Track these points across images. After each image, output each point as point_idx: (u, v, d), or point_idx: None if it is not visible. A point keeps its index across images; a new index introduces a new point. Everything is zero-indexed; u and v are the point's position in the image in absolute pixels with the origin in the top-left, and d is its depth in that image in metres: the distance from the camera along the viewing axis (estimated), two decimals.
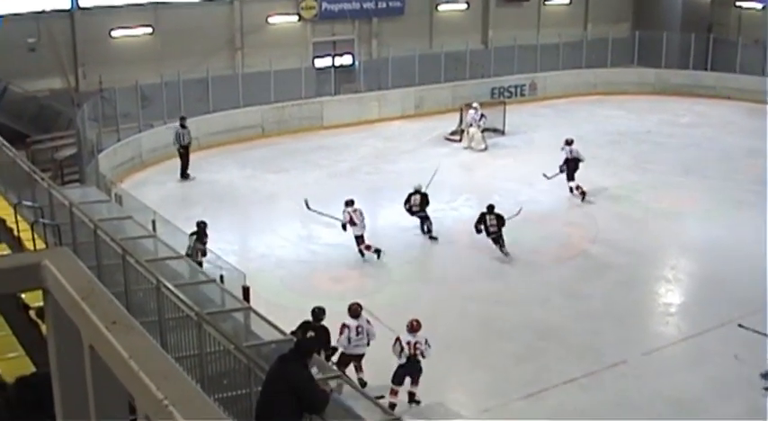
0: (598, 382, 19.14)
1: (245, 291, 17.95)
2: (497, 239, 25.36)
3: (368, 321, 18.75)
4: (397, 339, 18.15)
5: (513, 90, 44.29)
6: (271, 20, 39.94)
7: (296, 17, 40.58)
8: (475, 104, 37.88)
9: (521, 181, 32.32)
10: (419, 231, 27.39)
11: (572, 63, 47.09)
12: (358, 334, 18.41)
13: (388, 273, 24.54)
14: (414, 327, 18.12)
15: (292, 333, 16.15)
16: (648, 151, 36.92)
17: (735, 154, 37.13)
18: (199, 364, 12.91)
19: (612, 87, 46.94)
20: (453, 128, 37.94)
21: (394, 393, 18.14)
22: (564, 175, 30.70)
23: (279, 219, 28.37)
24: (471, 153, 35.33)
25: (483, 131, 37.11)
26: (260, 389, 11.39)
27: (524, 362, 19.88)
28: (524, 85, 44.84)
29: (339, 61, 41.75)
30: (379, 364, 18.46)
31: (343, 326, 18.29)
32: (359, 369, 18.72)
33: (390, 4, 42.86)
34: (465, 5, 45.91)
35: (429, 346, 18.16)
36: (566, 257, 25.62)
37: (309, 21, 40.93)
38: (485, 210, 25.85)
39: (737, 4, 52.13)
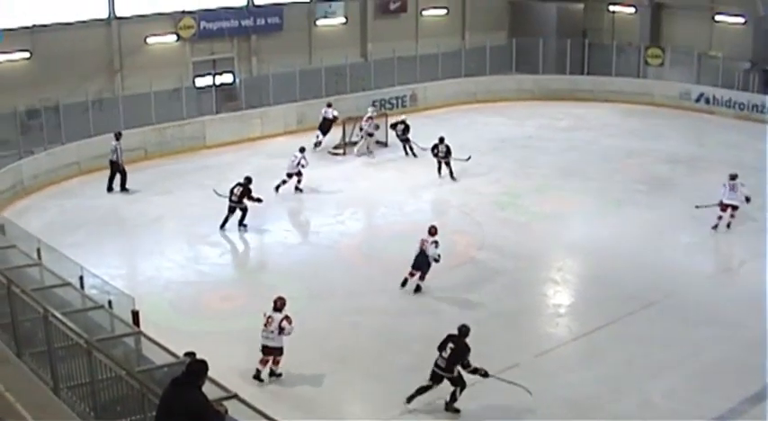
0: (492, 387, 19.22)
1: (135, 315, 17.72)
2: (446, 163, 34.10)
3: (286, 318, 19.42)
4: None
5: (394, 101, 44.51)
6: (149, 40, 39.43)
7: (174, 37, 40.13)
8: (371, 111, 38.24)
9: (406, 192, 32.52)
10: (307, 246, 27.54)
11: (451, 72, 47.56)
12: (266, 325, 19.46)
13: (278, 290, 24.35)
14: (431, 232, 24.04)
15: (441, 345, 18.53)
16: (530, 156, 37.41)
17: (614, 155, 37.88)
18: (91, 392, 12.72)
19: (492, 95, 47.52)
20: (337, 142, 38.01)
21: (411, 274, 24.23)
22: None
23: (165, 241, 28.14)
24: (356, 166, 35.27)
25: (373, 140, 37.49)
26: (154, 414, 11.28)
27: (418, 372, 19.84)
28: (405, 96, 45.09)
29: (219, 80, 41.45)
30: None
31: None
32: (274, 362, 19.61)
33: (269, 20, 42.70)
34: (343, 19, 45.93)
35: (436, 247, 23.76)
36: (454, 265, 25.74)
37: (188, 40, 40.54)
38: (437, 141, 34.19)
39: (610, 8, 53.15)
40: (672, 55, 49.27)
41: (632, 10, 52.41)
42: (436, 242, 23.89)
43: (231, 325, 22.17)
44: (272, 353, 19.65)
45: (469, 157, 34.87)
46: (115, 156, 33.00)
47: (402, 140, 37.65)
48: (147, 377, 12.37)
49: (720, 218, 29.11)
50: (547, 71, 49.23)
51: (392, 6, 47.78)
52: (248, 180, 29.10)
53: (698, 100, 47.32)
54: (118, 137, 33.20)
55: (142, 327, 16.35)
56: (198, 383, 11.18)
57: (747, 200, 29.27)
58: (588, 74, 49.49)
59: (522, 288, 24.84)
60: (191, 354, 13.94)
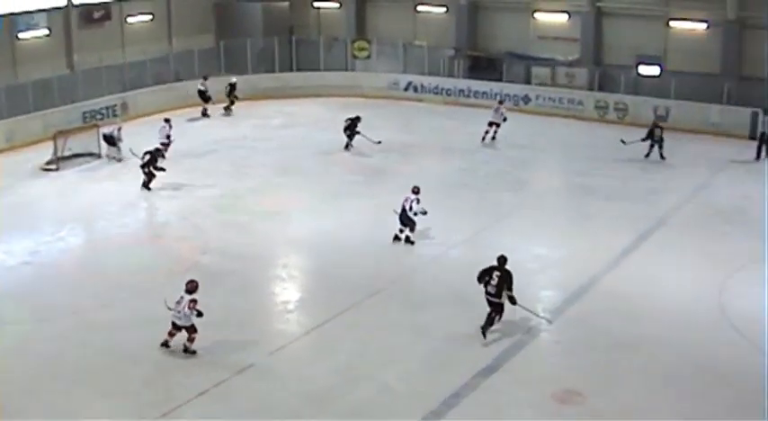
0: (230, 390, 19.26)
1: None
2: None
3: (192, 301, 20.45)
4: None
5: (104, 112, 43.43)
6: None
7: None
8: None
9: (124, 203, 31.92)
10: (28, 267, 26.70)
11: (161, 78, 46.98)
12: (177, 305, 20.59)
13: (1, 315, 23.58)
14: (413, 190, 27.22)
15: (482, 276, 21.30)
16: (246, 156, 37.47)
17: (329, 149, 38.46)
18: None
19: None
20: (49, 157, 36.91)
21: (400, 231, 27.55)
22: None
23: None
24: (70, 181, 34.35)
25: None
26: None
27: (154, 383, 19.68)
28: (116, 106, 44.17)
29: None
30: None
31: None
32: (189, 339, 20.79)
33: None
34: (46, 31, 44.71)
35: (419, 206, 26.94)
36: (179, 272, 25.42)
37: None
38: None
39: (315, 5, 53.87)
40: (378, 47, 50.57)
41: (337, 5, 53.43)
42: (418, 199, 27.04)
43: None
44: (180, 330, 20.74)
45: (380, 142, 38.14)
46: None
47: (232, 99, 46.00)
48: None
49: (487, 132, 39.54)
50: (256, 71, 49.42)
51: (96, 15, 46.85)
52: (158, 150, 33.52)
53: (406, 89, 48.75)
54: None
55: None
56: None
57: (504, 119, 39.47)
58: (297, 70, 49.99)
59: (249, 288, 24.82)
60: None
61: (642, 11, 46.05)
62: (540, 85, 47.26)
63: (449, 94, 47.97)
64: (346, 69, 51.13)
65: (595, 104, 45.07)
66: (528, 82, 47.73)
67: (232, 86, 46.09)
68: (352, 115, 38.80)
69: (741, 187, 34.21)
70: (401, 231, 27.50)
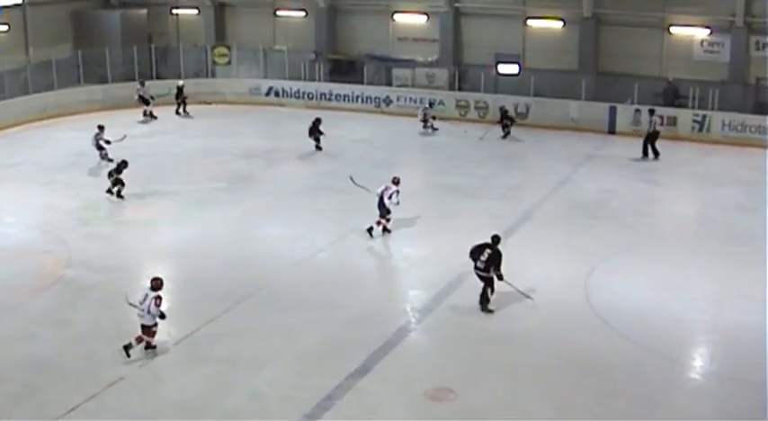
0: (102, 404, 18.94)
1: None
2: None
3: (157, 298, 20.47)
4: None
5: None
6: None
7: None
8: None
9: None
10: None
11: (19, 89, 46.02)
12: (141, 303, 20.71)
13: None
14: (394, 180, 28.16)
15: (474, 252, 23.13)
16: (108, 166, 36.77)
17: (192, 156, 38.31)
18: None
19: (63, 109, 46.22)
20: None
21: (377, 223, 28.31)
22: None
23: None
24: None
25: None
26: None
27: (23, 402, 19.22)
28: None
29: None
30: None
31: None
32: (151, 334, 20.86)
33: None
34: None
35: (397, 199, 27.80)
36: (43, 287, 24.99)
37: None
38: None
39: (173, 11, 53.48)
40: (238, 52, 50.45)
41: (195, 12, 53.08)
42: (398, 191, 27.89)
43: None
44: (143, 330, 20.74)
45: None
46: None
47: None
48: None
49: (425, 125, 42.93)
50: (116, 79, 48.73)
51: None
52: (123, 161, 33.02)
53: (268, 94, 48.82)
54: None
55: None
56: None
57: (434, 117, 43.13)
58: (157, 78, 49.47)
59: (116, 300, 24.09)
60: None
61: (499, 10, 46.94)
62: (401, 86, 47.80)
63: (310, 98, 48.10)
64: (207, 76, 50.90)
65: (456, 104, 45.69)
66: (389, 84, 48.25)
67: (180, 89, 46.67)
68: (312, 118, 39.40)
69: (602, 181, 35.12)
70: (378, 223, 28.30)
